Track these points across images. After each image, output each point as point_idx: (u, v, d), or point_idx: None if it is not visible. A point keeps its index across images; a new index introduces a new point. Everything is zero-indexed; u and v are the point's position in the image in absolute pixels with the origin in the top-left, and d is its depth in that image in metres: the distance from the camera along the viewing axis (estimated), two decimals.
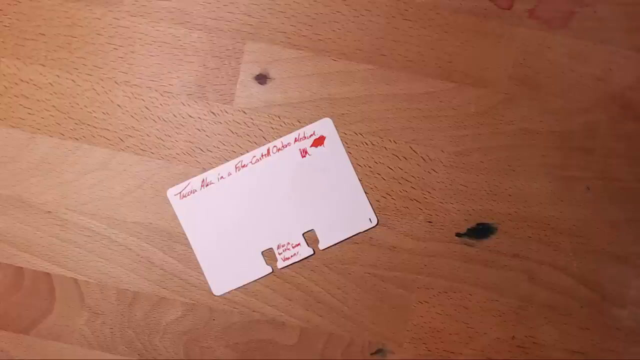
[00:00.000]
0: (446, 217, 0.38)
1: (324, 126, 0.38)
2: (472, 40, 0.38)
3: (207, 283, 0.39)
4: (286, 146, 0.38)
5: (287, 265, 0.38)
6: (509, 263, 0.39)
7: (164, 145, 0.39)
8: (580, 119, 0.38)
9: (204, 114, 0.39)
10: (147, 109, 0.39)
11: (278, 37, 0.38)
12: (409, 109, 0.38)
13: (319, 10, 0.38)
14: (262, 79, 0.38)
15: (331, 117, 0.38)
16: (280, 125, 0.38)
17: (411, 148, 0.38)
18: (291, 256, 0.38)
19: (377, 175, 0.38)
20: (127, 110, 0.39)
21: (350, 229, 0.38)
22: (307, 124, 0.38)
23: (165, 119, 0.39)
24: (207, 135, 0.39)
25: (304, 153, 0.37)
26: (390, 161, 0.38)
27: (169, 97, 0.39)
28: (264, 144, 0.38)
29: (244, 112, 0.39)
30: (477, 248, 0.39)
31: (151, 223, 0.39)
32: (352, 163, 0.38)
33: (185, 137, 0.39)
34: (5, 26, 0.38)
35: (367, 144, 0.38)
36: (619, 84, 0.38)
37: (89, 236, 0.39)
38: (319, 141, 0.38)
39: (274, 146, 0.38)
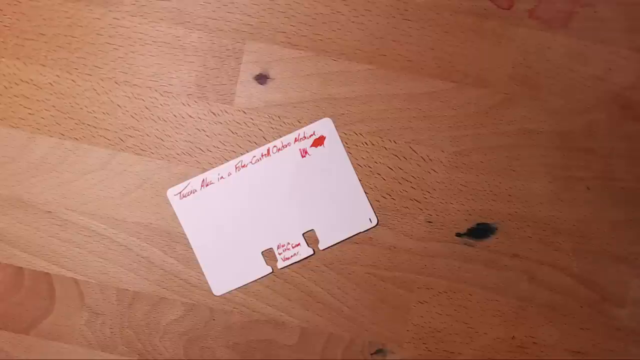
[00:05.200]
0: (446, 217, 0.38)
1: (324, 126, 0.38)
2: (472, 40, 0.38)
3: (207, 283, 0.39)
4: (286, 146, 0.38)
5: (287, 265, 0.38)
6: (509, 263, 0.39)
7: (164, 145, 0.39)
8: (580, 119, 0.38)
9: (204, 114, 0.39)
10: (147, 109, 0.39)
11: (278, 37, 0.38)
12: (409, 109, 0.38)
13: (319, 10, 0.38)
14: (262, 79, 0.38)
15: (331, 117, 0.38)
16: (280, 125, 0.38)
17: (411, 148, 0.38)
18: (291, 256, 0.38)
19: (377, 175, 0.38)
20: (127, 110, 0.39)
21: (350, 229, 0.38)
22: (307, 124, 0.38)
23: (165, 119, 0.39)
24: (207, 135, 0.39)
25: (304, 153, 0.37)
26: (390, 161, 0.38)
27: (169, 97, 0.39)
28: (264, 144, 0.38)
29: (244, 112, 0.39)
30: (477, 248, 0.39)
31: (151, 223, 0.39)
32: (352, 163, 0.38)
33: (185, 137, 0.39)
34: (5, 26, 0.38)
35: (367, 144, 0.38)
36: (619, 84, 0.38)
37: (89, 236, 0.39)
38: (319, 141, 0.38)
39: (274, 146, 0.38)
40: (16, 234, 0.39)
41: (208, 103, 0.39)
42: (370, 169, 0.38)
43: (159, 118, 0.39)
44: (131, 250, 0.39)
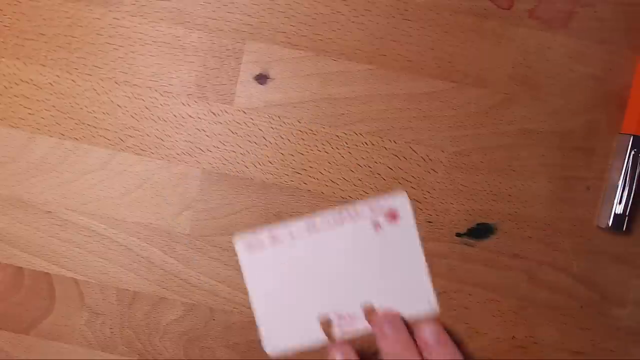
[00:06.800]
0: (446, 217, 0.38)
1: (400, 202, 0.37)
2: (472, 40, 0.38)
3: (207, 283, 0.39)
4: (360, 215, 0.37)
5: (345, 338, 0.37)
6: (509, 263, 0.39)
7: (164, 145, 0.39)
8: (580, 119, 0.38)
9: (204, 114, 0.39)
10: (147, 109, 0.39)
11: (278, 37, 0.38)
12: (409, 109, 0.38)
13: (319, 10, 0.38)
14: (262, 79, 0.38)
15: (331, 117, 0.38)
16: (280, 125, 0.38)
17: (411, 148, 0.38)
18: (349, 327, 0.37)
19: (377, 175, 0.38)
20: (127, 110, 0.39)
21: (409, 309, 0.37)
22: (307, 123, 0.38)
23: (165, 119, 0.39)
24: (207, 135, 0.39)
25: (376, 226, 0.37)
26: (390, 161, 0.38)
27: (169, 97, 0.39)
28: (263, 144, 0.38)
29: (244, 112, 0.39)
30: (477, 248, 0.39)
31: (151, 223, 0.39)
32: (420, 244, 0.37)
33: (185, 137, 0.39)
34: (5, 26, 0.38)
35: (367, 144, 0.38)
36: (619, 83, 0.38)
37: (89, 236, 0.39)
38: (392, 216, 0.37)
39: (348, 213, 0.37)
40: (16, 234, 0.39)
41: (208, 103, 0.39)
42: (370, 169, 0.38)
43: (159, 118, 0.39)
44: (131, 250, 0.39)
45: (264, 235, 0.37)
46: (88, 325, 0.39)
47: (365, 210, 0.37)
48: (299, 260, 0.37)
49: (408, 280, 0.37)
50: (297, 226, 0.37)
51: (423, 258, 0.37)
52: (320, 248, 0.37)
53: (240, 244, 0.37)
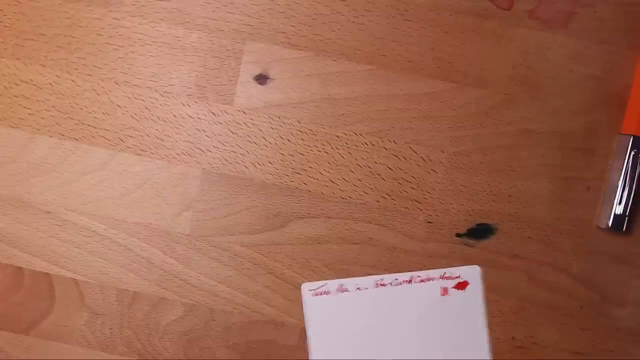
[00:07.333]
0: (446, 217, 0.38)
1: (471, 273, 0.38)
2: (472, 40, 0.38)
3: (207, 283, 0.39)
4: (430, 279, 0.37)
5: None
6: (509, 263, 0.39)
7: (164, 146, 0.39)
8: (580, 119, 0.38)
9: (204, 114, 0.39)
10: (147, 109, 0.39)
11: (278, 37, 0.38)
12: (409, 109, 0.38)
13: (319, 10, 0.38)
14: (262, 79, 0.38)
15: (331, 117, 0.38)
16: (280, 126, 0.38)
17: (411, 148, 0.38)
18: None
19: (377, 176, 0.38)
20: (127, 111, 0.39)
21: None
22: (307, 123, 0.38)
23: (165, 119, 0.39)
24: (207, 136, 0.39)
25: (444, 291, 0.37)
26: (390, 161, 0.38)
27: (169, 97, 0.39)
28: (263, 144, 0.38)
29: (244, 112, 0.39)
30: (477, 248, 0.39)
31: (151, 223, 0.39)
32: (485, 316, 0.38)
33: (185, 137, 0.39)
34: (5, 26, 0.38)
35: (367, 144, 0.38)
36: (619, 84, 0.38)
37: (89, 236, 0.39)
38: (461, 285, 0.38)
39: (418, 276, 0.37)
40: (16, 234, 0.39)
41: (208, 103, 0.39)
42: (370, 169, 0.38)
43: (159, 118, 0.39)
44: (131, 251, 0.39)
45: (331, 283, 0.38)
46: (88, 325, 0.39)
47: (435, 277, 0.37)
48: (360, 309, 0.38)
49: (467, 349, 0.38)
50: (365, 279, 0.38)
51: (485, 330, 0.37)
52: (383, 301, 0.38)
53: (305, 287, 0.38)
